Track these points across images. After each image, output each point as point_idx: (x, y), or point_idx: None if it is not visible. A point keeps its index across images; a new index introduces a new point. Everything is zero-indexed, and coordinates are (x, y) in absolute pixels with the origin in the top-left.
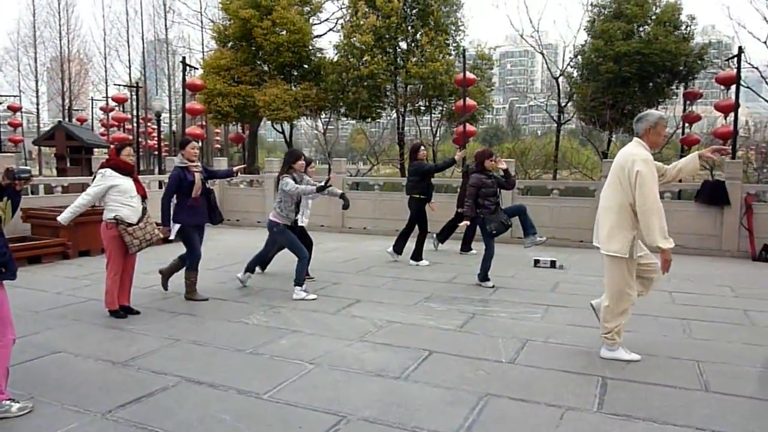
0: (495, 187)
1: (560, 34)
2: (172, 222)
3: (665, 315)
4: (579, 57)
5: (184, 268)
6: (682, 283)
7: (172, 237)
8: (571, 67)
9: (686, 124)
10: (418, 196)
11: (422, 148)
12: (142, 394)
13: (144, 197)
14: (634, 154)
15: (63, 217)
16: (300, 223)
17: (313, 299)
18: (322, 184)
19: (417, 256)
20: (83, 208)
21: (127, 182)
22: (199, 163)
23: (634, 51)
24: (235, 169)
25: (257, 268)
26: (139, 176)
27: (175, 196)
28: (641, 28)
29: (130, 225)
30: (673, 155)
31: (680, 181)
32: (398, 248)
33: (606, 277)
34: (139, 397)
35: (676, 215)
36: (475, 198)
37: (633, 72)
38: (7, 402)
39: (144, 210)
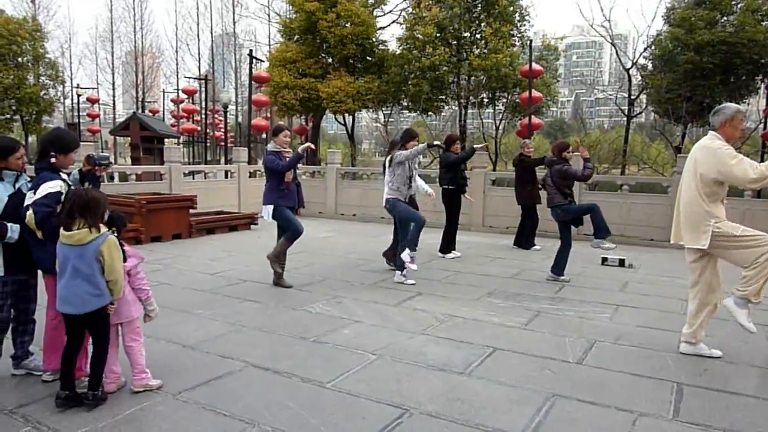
0: (572, 180)
1: (633, 24)
2: (263, 205)
3: None
4: (654, 47)
5: (284, 238)
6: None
7: (268, 219)
8: (645, 58)
9: None
10: (447, 186)
11: (458, 142)
12: (210, 377)
13: None
14: (709, 146)
15: None
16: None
17: (412, 284)
18: (434, 143)
19: (445, 248)
20: None
21: None
22: (290, 150)
23: (718, 40)
24: (300, 149)
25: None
26: (207, 165)
27: (266, 179)
28: (725, 17)
29: None
30: (752, 152)
31: None
32: (445, 249)
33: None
34: (207, 380)
35: (758, 215)
36: (560, 186)
37: (716, 63)
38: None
39: None
